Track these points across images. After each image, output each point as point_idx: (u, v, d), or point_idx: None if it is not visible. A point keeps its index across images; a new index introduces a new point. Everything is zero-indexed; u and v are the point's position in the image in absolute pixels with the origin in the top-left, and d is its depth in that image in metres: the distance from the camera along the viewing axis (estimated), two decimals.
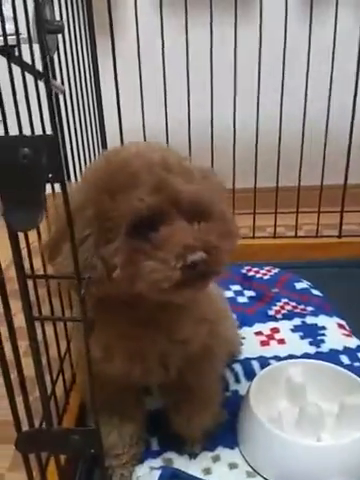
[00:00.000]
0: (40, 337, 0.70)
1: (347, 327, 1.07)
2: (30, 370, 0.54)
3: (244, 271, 1.27)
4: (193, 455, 0.79)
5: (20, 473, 0.60)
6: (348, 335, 1.04)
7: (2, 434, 0.77)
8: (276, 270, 1.27)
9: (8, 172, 0.43)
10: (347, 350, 0.99)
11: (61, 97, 0.75)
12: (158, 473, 0.71)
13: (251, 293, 1.20)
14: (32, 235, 0.62)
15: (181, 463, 0.77)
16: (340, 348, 1.00)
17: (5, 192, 0.44)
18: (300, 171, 1.32)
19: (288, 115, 1.28)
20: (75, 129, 0.88)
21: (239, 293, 1.21)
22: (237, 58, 1.22)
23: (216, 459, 0.79)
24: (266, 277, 1.25)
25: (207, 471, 0.76)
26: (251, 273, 1.26)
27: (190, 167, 0.61)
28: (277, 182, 1.33)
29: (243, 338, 1.05)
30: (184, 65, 1.22)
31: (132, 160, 0.59)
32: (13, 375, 0.54)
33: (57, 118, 0.72)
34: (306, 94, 1.26)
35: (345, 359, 0.96)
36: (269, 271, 1.27)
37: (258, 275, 1.26)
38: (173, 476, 0.70)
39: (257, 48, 1.21)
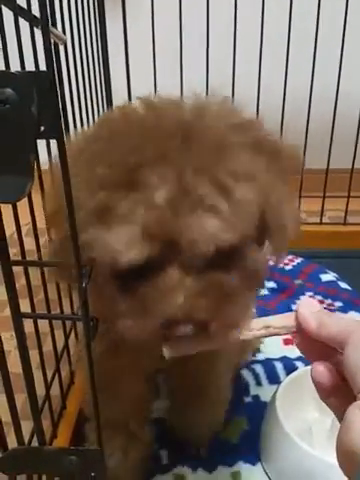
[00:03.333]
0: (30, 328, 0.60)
1: None
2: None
3: None
4: (206, 467, 0.69)
5: None
6: None
7: None
8: (299, 260, 1.16)
9: None
10: None
11: (61, 48, 0.63)
12: None
13: (272, 284, 1.09)
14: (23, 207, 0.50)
15: None
16: None
17: None
18: (330, 152, 1.20)
19: (318, 94, 1.15)
20: (77, 85, 0.76)
21: None
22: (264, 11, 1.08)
23: (236, 477, 0.68)
24: (288, 267, 1.14)
25: None
26: (271, 262, 1.15)
27: (231, 183, 0.40)
28: (302, 164, 1.21)
29: None
30: (204, 17, 1.07)
31: (130, 158, 0.40)
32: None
33: (56, 70, 0.61)
34: (340, 72, 1.13)
35: None
36: (291, 261, 1.16)
37: (279, 265, 1.14)
38: None
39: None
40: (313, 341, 0.44)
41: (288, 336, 0.94)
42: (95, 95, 0.90)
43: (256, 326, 0.46)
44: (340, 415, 0.41)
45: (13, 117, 0.32)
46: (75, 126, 0.73)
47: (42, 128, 0.33)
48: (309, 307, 0.44)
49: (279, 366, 0.85)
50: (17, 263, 0.41)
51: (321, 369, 0.43)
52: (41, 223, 0.61)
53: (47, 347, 0.68)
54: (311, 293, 1.04)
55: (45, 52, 0.33)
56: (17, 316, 0.41)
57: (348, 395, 0.40)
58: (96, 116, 0.90)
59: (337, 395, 0.43)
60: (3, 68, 0.50)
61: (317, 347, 0.44)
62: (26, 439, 0.55)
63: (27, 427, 0.52)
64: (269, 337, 0.47)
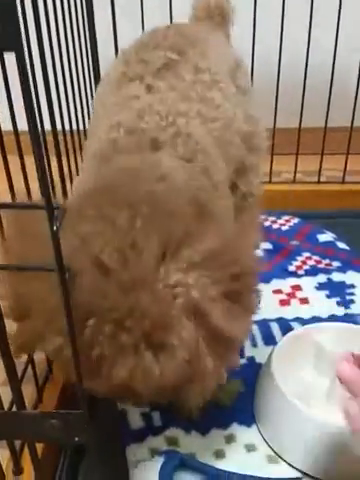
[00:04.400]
0: None
1: None
2: None
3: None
4: (199, 430, 0.66)
5: None
6: None
7: None
8: (296, 220, 1.12)
9: None
10: None
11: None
12: (161, 460, 0.58)
13: (268, 245, 1.05)
14: None
15: (188, 443, 0.65)
16: None
17: None
18: (328, 110, 1.15)
19: (316, 50, 1.10)
20: (59, 43, 0.71)
21: None
22: None
23: (230, 439, 0.66)
24: (285, 228, 1.10)
25: (220, 454, 0.64)
26: (267, 223, 1.11)
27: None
28: (300, 121, 1.16)
29: None
30: None
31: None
32: None
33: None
34: (338, 28, 1.06)
35: None
36: (288, 221, 1.12)
37: (275, 225, 1.11)
38: (179, 464, 0.57)
39: None
40: None
41: (284, 296, 0.92)
42: (77, 35, 0.84)
43: None
44: None
45: None
46: (54, 66, 0.68)
47: None
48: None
49: (275, 327, 0.82)
50: None
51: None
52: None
53: None
54: (308, 253, 1.01)
55: None
56: None
57: None
58: (79, 56, 0.85)
59: None
60: None
61: None
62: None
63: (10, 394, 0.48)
64: None
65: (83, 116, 0.93)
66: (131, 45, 0.75)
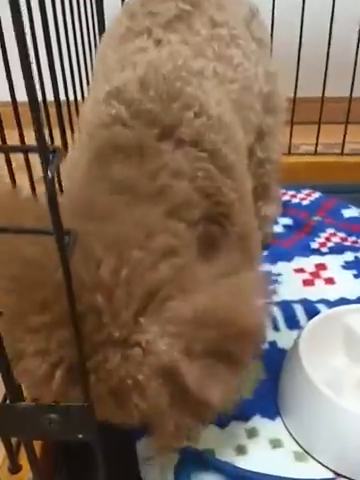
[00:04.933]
0: None
1: None
2: None
3: None
4: (217, 422, 0.59)
5: None
6: None
7: None
8: (317, 194, 1.04)
9: None
10: None
11: None
12: (175, 457, 0.51)
13: (287, 221, 0.97)
14: None
15: (205, 438, 0.57)
16: None
17: None
18: (353, 79, 1.06)
19: (340, 16, 1.01)
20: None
21: None
22: None
23: (252, 434, 0.59)
24: (305, 202, 1.02)
25: (241, 450, 0.57)
26: (286, 197, 1.03)
27: None
28: (323, 89, 1.07)
29: (279, 274, 0.83)
30: None
31: None
32: None
33: None
34: None
35: None
36: (309, 195, 1.04)
37: (295, 200, 1.03)
38: (197, 463, 0.51)
39: None
40: None
41: (307, 276, 0.85)
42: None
43: None
44: None
45: None
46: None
47: None
48: None
49: (299, 309, 0.75)
50: None
51: None
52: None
53: None
54: (332, 230, 0.93)
55: None
56: None
57: None
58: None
59: None
60: None
61: None
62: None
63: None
64: None
65: (88, 83, 0.86)
66: None
